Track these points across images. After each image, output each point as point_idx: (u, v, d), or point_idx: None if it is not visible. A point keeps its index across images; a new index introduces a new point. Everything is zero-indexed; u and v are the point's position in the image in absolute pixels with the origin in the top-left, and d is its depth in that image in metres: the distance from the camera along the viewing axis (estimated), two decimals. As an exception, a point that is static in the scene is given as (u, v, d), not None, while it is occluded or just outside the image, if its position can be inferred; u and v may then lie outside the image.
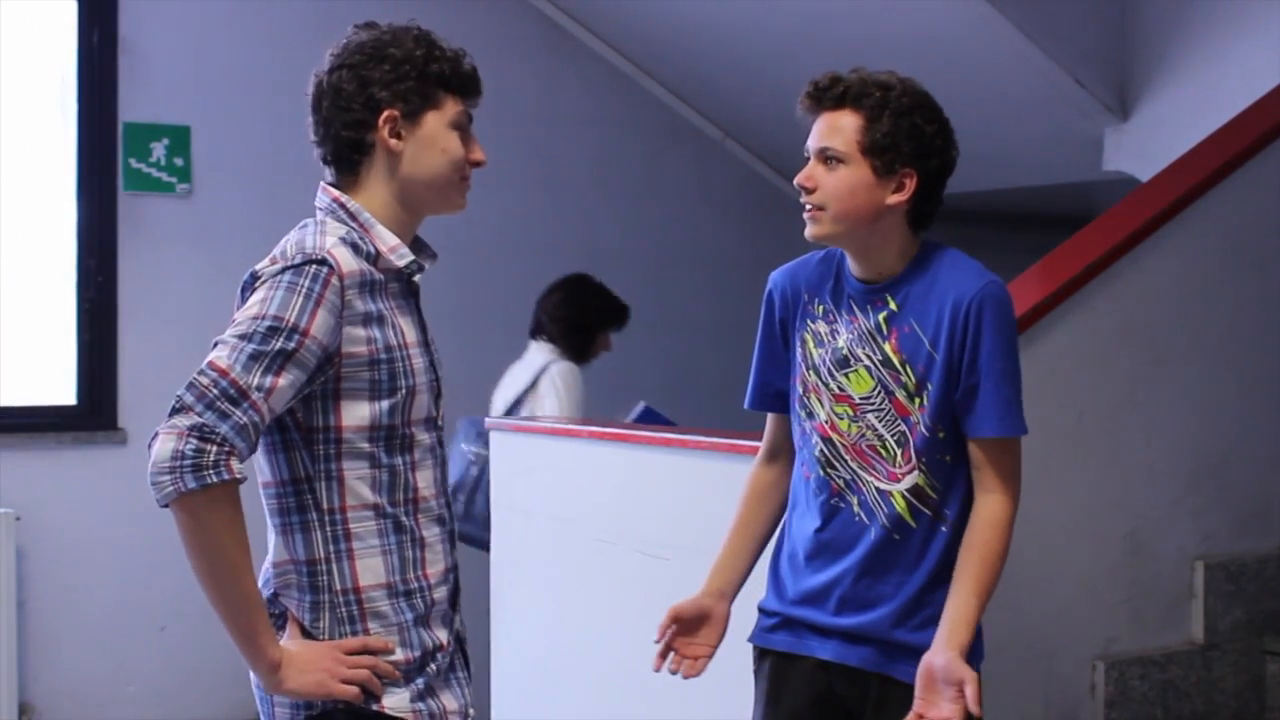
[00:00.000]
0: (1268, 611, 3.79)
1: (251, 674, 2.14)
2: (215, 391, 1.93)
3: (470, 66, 2.21)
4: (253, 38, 5.41)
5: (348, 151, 2.16)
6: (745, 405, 2.71)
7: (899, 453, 2.43)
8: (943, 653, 2.32)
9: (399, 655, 2.11)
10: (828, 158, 2.44)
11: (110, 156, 5.17)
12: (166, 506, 1.95)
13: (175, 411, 1.93)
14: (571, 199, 6.10)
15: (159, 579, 5.19)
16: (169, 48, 5.27)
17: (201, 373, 1.95)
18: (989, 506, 2.41)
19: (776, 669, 2.57)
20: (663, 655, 2.59)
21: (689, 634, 2.59)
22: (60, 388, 5.19)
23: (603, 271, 6.15)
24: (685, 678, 2.59)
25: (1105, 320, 3.50)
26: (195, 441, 1.91)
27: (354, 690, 2.06)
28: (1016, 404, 2.41)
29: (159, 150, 5.23)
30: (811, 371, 2.52)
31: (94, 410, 5.17)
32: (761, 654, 2.60)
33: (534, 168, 5.97)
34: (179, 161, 5.26)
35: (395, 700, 2.12)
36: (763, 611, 2.61)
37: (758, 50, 5.59)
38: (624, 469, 3.81)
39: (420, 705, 2.14)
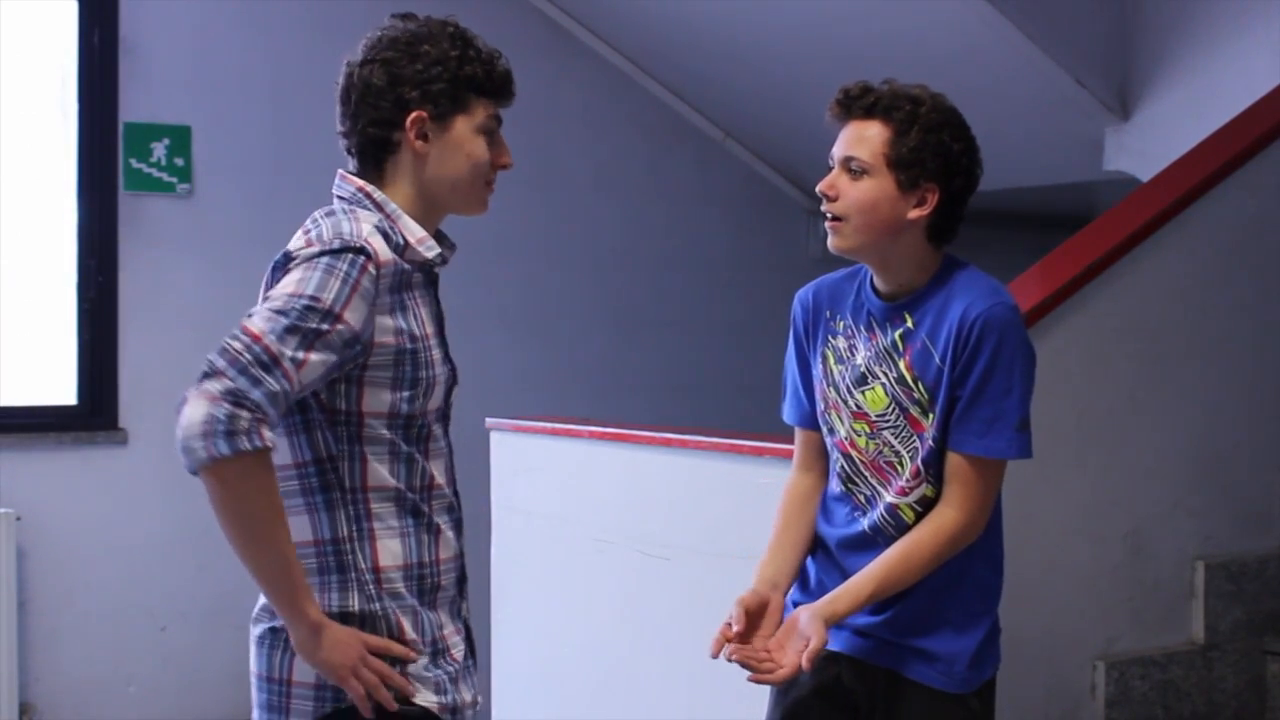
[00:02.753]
0: (1268, 611, 3.79)
1: (261, 666, 2.13)
2: (249, 357, 1.90)
3: (504, 69, 2.19)
4: (253, 38, 5.41)
5: (373, 148, 2.15)
6: (785, 419, 2.68)
7: (910, 467, 2.44)
8: (812, 611, 2.37)
9: (411, 635, 2.11)
10: (852, 168, 2.42)
11: (110, 156, 5.17)
12: (196, 473, 1.90)
13: (207, 376, 1.89)
14: (571, 199, 6.10)
15: (159, 579, 5.20)
16: (169, 48, 5.27)
17: (234, 337, 1.92)
18: (940, 518, 2.41)
19: None
20: (731, 644, 2.42)
21: (755, 628, 2.47)
22: (60, 388, 5.19)
23: (603, 271, 6.18)
24: (774, 682, 2.42)
25: (1105, 320, 3.50)
26: (228, 406, 1.87)
27: (361, 691, 2.04)
28: (1004, 427, 2.39)
29: (159, 150, 5.23)
30: (832, 388, 2.52)
31: (94, 410, 5.17)
32: None
33: (534, 168, 5.96)
34: (179, 161, 5.26)
35: (421, 695, 2.11)
36: (789, 605, 2.62)
37: (758, 50, 5.59)
38: (624, 469, 3.81)
39: (444, 698, 2.14)
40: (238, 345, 1.91)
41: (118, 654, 5.16)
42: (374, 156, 2.16)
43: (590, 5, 5.93)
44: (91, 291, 5.16)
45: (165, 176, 5.24)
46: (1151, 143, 4.87)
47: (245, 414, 1.88)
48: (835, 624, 2.40)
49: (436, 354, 2.13)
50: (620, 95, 6.17)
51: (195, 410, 1.87)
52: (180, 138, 5.26)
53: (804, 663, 2.30)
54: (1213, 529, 3.71)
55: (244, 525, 1.95)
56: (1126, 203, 3.75)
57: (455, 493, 2.23)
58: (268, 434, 1.90)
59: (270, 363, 1.91)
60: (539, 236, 6.01)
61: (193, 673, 5.23)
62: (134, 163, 5.19)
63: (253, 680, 2.16)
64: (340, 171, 2.20)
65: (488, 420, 4.31)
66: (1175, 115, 4.81)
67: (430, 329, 2.13)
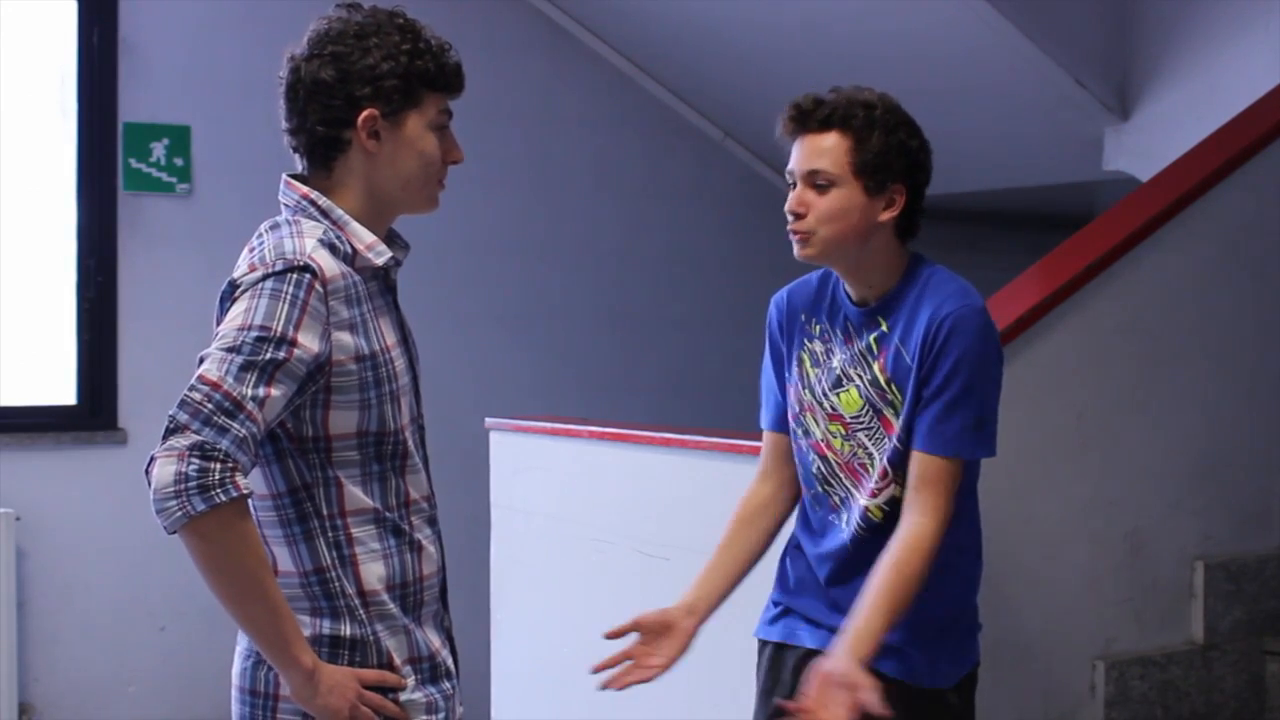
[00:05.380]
0: (1268, 611, 3.79)
1: (245, 691, 2.12)
2: (210, 406, 1.85)
3: (455, 61, 2.12)
4: (253, 38, 5.41)
5: (322, 148, 2.08)
6: (762, 426, 2.69)
7: (879, 468, 2.45)
8: (842, 661, 2.29)
9: (399, 662, 2.08)
10: (818, 182, 2.42)
11: (110, 156, 5.17)
12: (174, 533, 1.86)
13: (171, 432, 1.85)
14: (571, 199, 6.10)
15: (159, 579, 5.19)
16: (169, 48, 5.27)
17: (193, 388, 1.87)
18: (911, 529, 2.39)
19: (773, 659, 2.61)
20: (613, 663, 2.51)
21: (649, 644, 2.54)
22: (60, 388, 5.18)
23: (603, 271, 6.18)
24: (618, 688, 2.50)
25: (1105, 320, 3.49)
26: (197, 461, 1.83)
27: None
28: (966, 426, 2.39)
29: (159, 150, 5.23)
30: (807, 391, 2.54)
31: (94, 410, 5.17)
32: (762, 645, 2.64)
33: (534, 168, 5.96)
34: (179, 161, 5.26)
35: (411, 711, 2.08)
36: (770, 604, 2.63)
37: (758, 50, 5.59)
38: (624, 469, 3.81)
39: (437, 718, 2.10)
40: (197, 396, 1.86)
41: (118, 654, 5.16)
42: (322, 156, 2.09)
43: (590, 5, 5.93)
44: (91, 291, 5.15)
45: (165, 176, 5.24)
46: (1151, 143, 4.87)
47: (216, 465, 1.83)
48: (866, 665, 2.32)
49: (399, 364, 2.07)
50: (620, 95, 6.17)
51: (164, 470, 1.83)
52: (180, 138, 5.26)
53: (877, 709, 2.22)
54: (1213, 529, 3.71)
55: (230, 578, 1.91)
56: (1126, 203, 3.75)
57: (433, 504, 2.16)
58: (242, 481, 1.86)
59: (233, 408, 1.86)
60: (539, 236, 6.01)
61: (193, 673, 5.23)
62: (134, 162, 5.19)
63: (234, 693, 2.14)
64: (285, 177, 2.12)
65: (487, 420, 4.31)
66: (1175, 115, 4.81)
67: (391, 339, 2.07)
